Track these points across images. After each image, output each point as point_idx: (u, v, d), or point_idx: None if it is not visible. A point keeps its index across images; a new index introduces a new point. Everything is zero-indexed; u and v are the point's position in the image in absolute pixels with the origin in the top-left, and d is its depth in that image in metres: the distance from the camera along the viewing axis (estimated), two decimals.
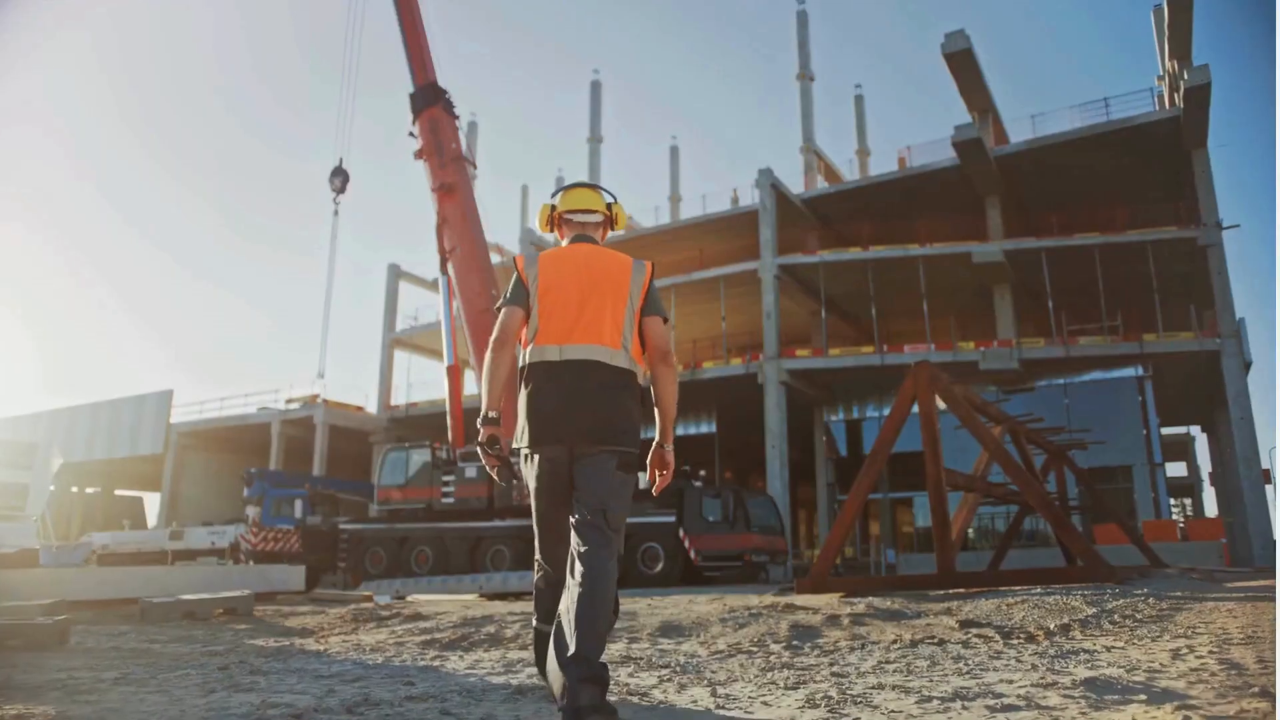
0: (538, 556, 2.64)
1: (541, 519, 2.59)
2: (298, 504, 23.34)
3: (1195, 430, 42.25)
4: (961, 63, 25.75)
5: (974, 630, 3.99)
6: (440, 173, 22.47)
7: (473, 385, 26.54)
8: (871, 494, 30.15)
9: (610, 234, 3.06)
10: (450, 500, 19.09)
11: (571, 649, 2.16)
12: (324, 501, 24.79)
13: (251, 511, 23.50)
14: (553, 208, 2.98)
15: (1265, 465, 26.50)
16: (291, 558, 21.32)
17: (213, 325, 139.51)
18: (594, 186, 3.02)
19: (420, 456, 20.14)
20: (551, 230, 3.02)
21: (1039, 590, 5.14)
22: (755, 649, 3.75)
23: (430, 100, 23.24)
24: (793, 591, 7.41)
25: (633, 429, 2.61)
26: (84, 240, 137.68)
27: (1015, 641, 3.64)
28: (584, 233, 2.90)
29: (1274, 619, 3.94)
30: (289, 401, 34.47)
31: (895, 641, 3.73)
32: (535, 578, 2.66)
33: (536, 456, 2.54)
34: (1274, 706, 2.04)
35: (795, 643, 3.87)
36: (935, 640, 3.74)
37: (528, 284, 2.69)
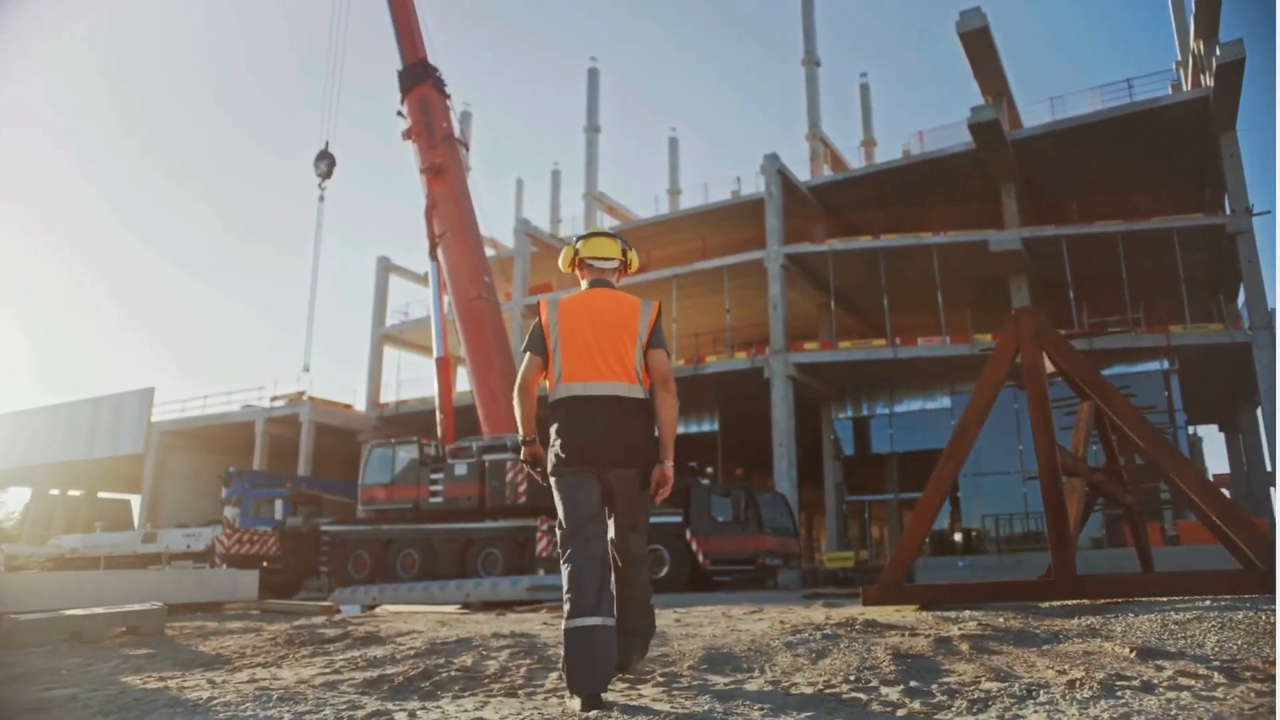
0: (562, 555, 2.90)
1: (568, 517, 2.91)
2: (278, 505, 22.02)
3: (1203, 431, 41.06)
4: (977, 42, 24.54)
5: (1168, 664, 2.73)
6: (430, 153, 21.22)
7: (464, 382, 25.20)
8: (878, 495, 29.35)
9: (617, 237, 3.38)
10: (439, 500, 17.77)
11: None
12: (307, 502, 23.43)
13: (230, 512, 22.21)
14: (575, 251, 3.29)
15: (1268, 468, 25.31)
16: (270, 561, 20.07)
17: (212, 329, 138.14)
18: (612, 235, 3.33)
19: (407, 453, 18.83)
20: (572, 271, 3.34)
21: (1206, 602, 3.91)
22: (862, 694, 2.50)
23: (420, 78, 22.01)
24: (845, 602, 6.19)
25: (650, 448, 3.01)
26: (78, 238, 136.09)
27: (1258, 684, 2.39)
28: (602, 276, 3.23)
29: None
30: (274, 399, 33.12)
31: (1072, 682, 2.48)
32: (564, 576, 2.87)
33: (568, 475, 2.93)
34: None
35: (914, 684, 2.62)
36: (1130, 681, 2.49)
37: (548, 331, 3.05)
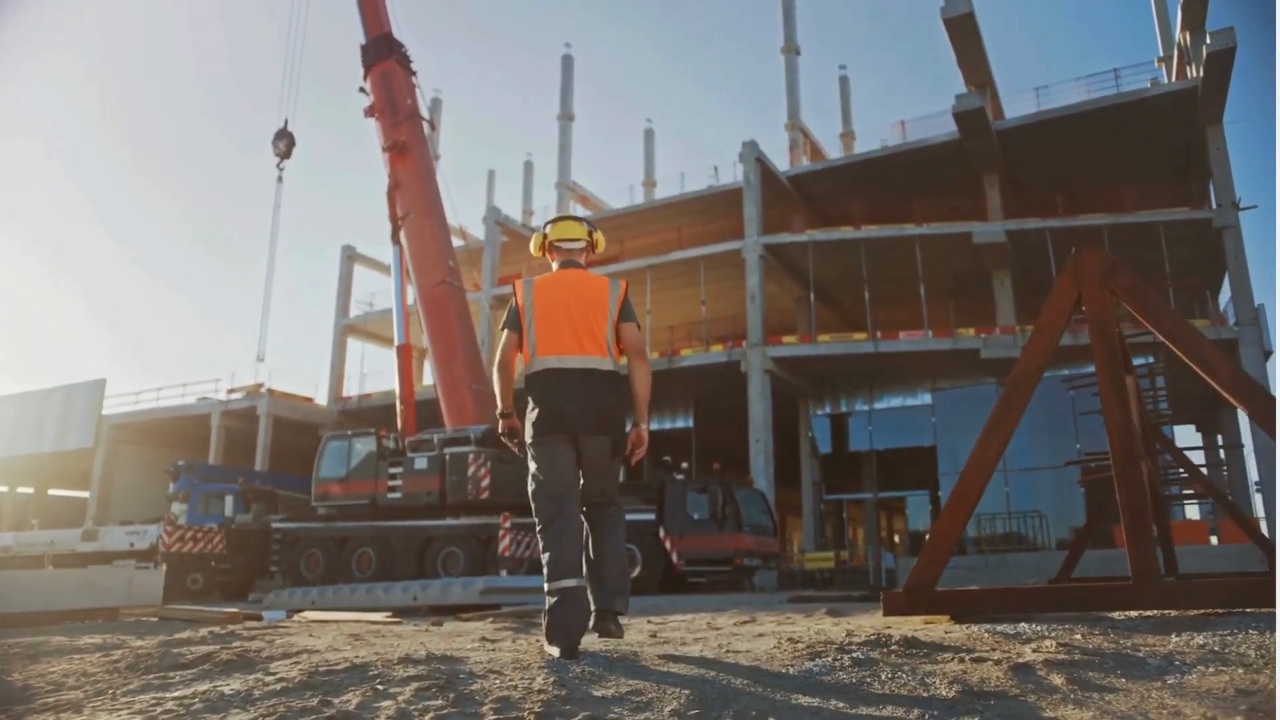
0: (541, 522, 3.14)
1: (548, 486, 3.15)
2: (228, 500, 20.79)
3: (1179, 431, 40.79)
4: (962, 29, 23.89)
5: None
6: (393, 131, 20.13)
7: (430, 375, 24.06)
8: (855, 495, 28.59)
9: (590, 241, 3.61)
10: (397, 495, 16.72)
11: (598, 598, 3.13)
12: (260, 498, 22.18)
13: (177, 508, 20.96)
14: (544, 236, 3.52)
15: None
16: (217, 560, 18.88)
17: (175, 324, 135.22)
18: (577, 218, 3.59)
19: (364, 446, 17.74)
20: (542, 255, 3.58)
21: None
22: None
23: (383, 53, 20.92)
24: (846, 608, 5.32)
25: (620, 418, 3.26)
26: (55, 236, 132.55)
27: None
28: (570, 258, 3.46)
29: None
30: (230, 391, 31.75)
31: None
32: (541, 542, 3.14)
33: (545, 443, 3.17)
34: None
35: None
36: None
37: (523, 309, 3.27)
